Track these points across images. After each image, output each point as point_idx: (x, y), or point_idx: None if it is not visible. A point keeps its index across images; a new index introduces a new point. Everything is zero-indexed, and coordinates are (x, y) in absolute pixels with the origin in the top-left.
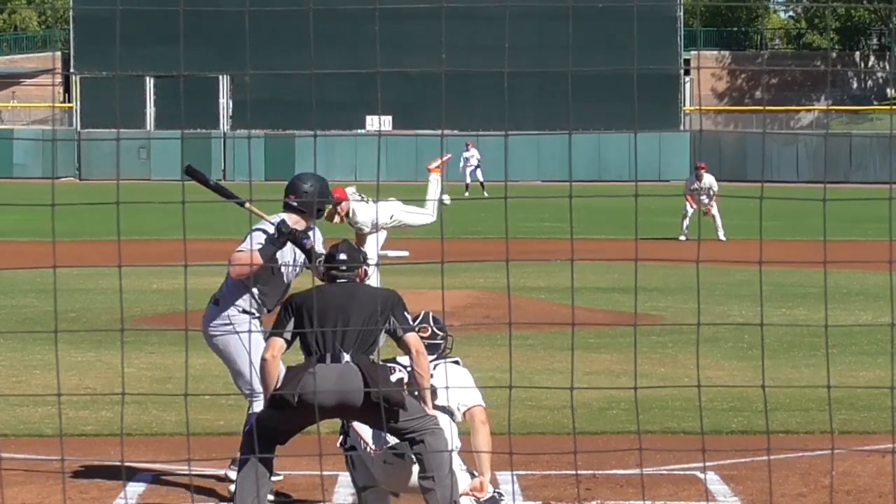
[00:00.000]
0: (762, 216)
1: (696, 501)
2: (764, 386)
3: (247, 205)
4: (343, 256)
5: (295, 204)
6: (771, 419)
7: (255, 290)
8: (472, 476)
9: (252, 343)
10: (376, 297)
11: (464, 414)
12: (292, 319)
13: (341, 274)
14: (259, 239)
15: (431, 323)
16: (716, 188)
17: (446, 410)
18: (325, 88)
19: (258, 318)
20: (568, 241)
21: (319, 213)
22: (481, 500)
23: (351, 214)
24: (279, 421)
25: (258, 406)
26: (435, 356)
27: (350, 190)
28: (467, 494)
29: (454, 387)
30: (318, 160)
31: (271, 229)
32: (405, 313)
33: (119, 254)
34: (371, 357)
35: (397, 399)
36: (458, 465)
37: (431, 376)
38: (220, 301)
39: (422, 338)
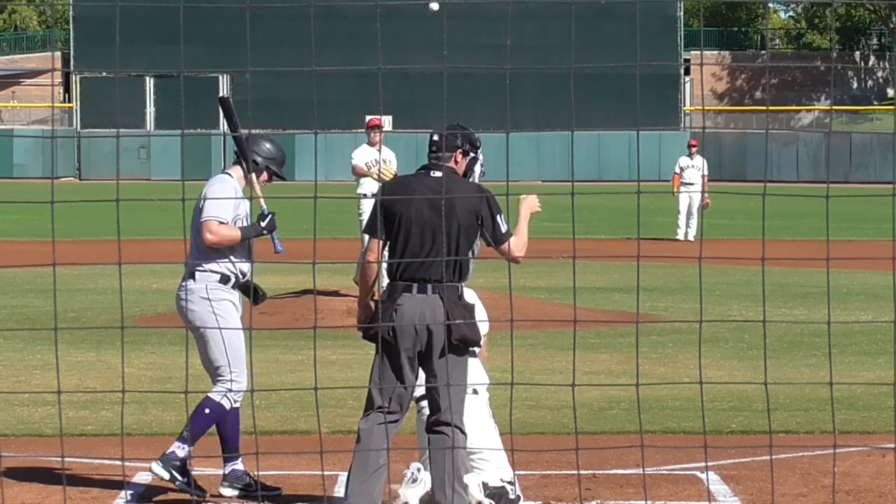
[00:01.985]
0: (765, 214)
1: (696, 501)
2: (766, 383)
3: (252, 176)
4: (436, 138)
5: (259, 161)
6: (771, 419)
7: (226, 255)
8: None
9: (228, 320)
10: (471, 202)
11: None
12: (383, 221)
13: (434, 157)
14: (234, 212)
15: None
16: (704, 171)
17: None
18: (324, 88)
19: (233, 282)
20: (567, 240)
21: (270, 176)
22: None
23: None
24: (379, 366)
25: (218, 394)
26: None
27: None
28: None
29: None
30: (318, 161)
31: (229, 202)
32: (498, 216)
33: (119, 251)
34: (463, 273)
35: (474, 339)
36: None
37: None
38: (196, 272)
39: None
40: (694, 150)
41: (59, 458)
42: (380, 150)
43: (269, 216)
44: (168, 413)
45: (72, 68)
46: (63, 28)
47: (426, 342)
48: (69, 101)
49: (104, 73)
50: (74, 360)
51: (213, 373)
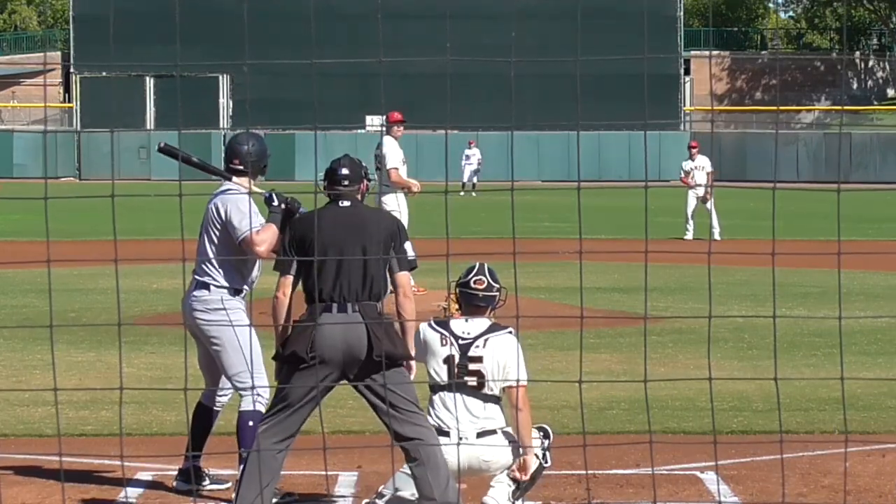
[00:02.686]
0: (775, 210)
1: (696, 501)
2: (776, 378)
3: (234, 179)
4: (345, 171)
5: (241, 167)
6: (772, 419)
7: (239, 265)
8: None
9: (249, 333)
10: (382, 225)
11: (503, 389)
12: (295, 254)
13: (345, 190)
14: (246, 209)
15: (487, 275)
16: (709, 168)
17: (495, 398)
18: (324, 88)
19: (245, 294)
20: (567, 240)
21: (264, 169)
22: (525, 478)
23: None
24: (294, 389)
25: (248, 403)
26: (489, 312)
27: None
28: (513, 474)
29: (502, 360)
30: (318, 160)
31: (238, 196)
32: (406, 244)
33: (115, 250)
34: (379, 292)
35: (398, 354)
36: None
37: (481, 360)
38: (211, 285)
39: (477, 290)
40: (695, 151)
41: (59, 458)
42: (374, 144)
43: (271, 194)
44: (168, 413)
45: (72, 68)
46: (63, 28)
47: (353, 363)
48: (69, 101)
49: (104, 74)
50: (74, 360)
51: (231, 380)
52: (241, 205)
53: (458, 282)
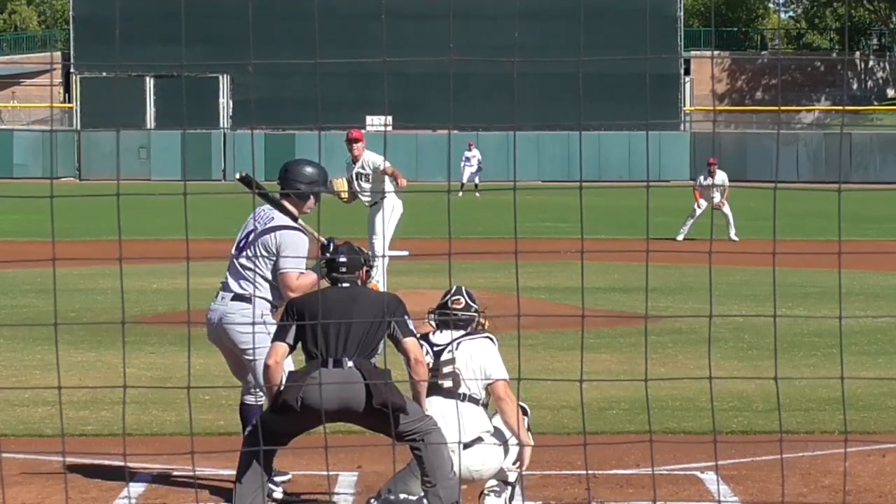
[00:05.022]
0: (776, 211)
1: (696, 501)
2: (777, 378)
3: (300, 222)
4: (343, 260)
5: (301, 189)
6: (772, 419)
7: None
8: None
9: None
10: (378, 301)
11: (487, 388)
12: (294, 324)
13: (343, 277)
14: (302, 253)
15: (465, 295)
16: (727, 183)
17: (473, 399)
18: (325, 88)
19: (276, 308)
20: (568, 240)
21: (309, 197)
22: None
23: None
24: (280, 424)
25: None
26: (468, 330)
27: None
28: (511, 471)
29: (479, 359)
30: (318, 160)
31: (304, 251)
32: (406, 317)
33: (119, 249)
34: (373, 361)
35: (399, 403)
36: (491, 441)
37: (453, 360)
38: (251, 298)
39: (455, 310)
40: (714, 167)
41: (60, 458)
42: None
43: (330, 243)
44: (168, 413)
45: (72, 68)
46: (63, 28)
47: (349, 411)
48: (69, 102)
49: (104, 74)
50: (74, 360)
51: (247, 384)
52: (298, 242)
53: (437, 305)
